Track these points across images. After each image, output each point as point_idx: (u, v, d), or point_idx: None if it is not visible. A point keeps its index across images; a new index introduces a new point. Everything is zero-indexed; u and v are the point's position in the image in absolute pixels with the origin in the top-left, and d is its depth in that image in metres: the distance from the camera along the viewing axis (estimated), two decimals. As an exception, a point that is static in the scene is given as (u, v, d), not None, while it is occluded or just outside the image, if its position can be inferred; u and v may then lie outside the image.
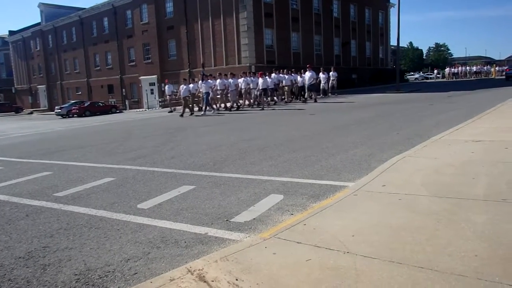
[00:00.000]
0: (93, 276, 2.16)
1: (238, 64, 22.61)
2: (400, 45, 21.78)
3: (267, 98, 14.46)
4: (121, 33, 30.03)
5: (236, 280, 1.85)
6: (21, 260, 2.43)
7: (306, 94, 15.64)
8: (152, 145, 7.14)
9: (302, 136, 6.82)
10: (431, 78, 38.60)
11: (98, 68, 33.35)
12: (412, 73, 46.19)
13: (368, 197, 2.98)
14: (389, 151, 4.94)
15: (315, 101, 14.99)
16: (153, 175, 4.56)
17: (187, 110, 14.46)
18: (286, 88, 16.15)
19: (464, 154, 4.15)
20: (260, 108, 13.52)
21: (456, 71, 35.75)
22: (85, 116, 24.40)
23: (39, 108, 40.47)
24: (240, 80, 14.74)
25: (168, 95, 17.74)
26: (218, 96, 14.63)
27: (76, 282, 2.11)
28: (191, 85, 14.57)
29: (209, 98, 13.61)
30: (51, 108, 36.22)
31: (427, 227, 2.33)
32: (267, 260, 2.04)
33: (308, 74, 15.36)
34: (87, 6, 36.78)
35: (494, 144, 4.59)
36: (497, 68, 37.92)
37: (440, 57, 65.53)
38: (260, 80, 14.05)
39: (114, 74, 31.55)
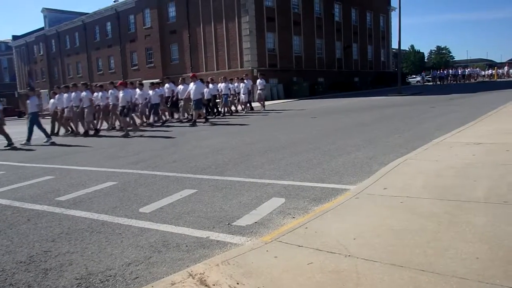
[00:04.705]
0: (94, 281, 2.16)
1: (241, 67, 22.72)
2: (402, 48, 21.84)
3: (131, 119, 10.05)
4: (124, 37, 30.27)
5: (237, 284, 1.85)
6: (22, 265, 2.43)
7: (194, 115, 11.07)
8: (154, 148, 7.16)
9: (304, 139, 6.83)
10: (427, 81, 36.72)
11: (101, 72, 33.59)
12: (414, 76, 45.97)
13: (370, 200, 2.98)
14: (391, 154, 4.93)
15: (194, 123, 10.71)
16: (154, 179, 4.57)
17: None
18: (183, 102, 12.12)
19: (466, 156, 4.14)
20: (124, 134, 9.43)
21: (440, 74, 32.64)
22: (88, 120, 24.45)
23: (42, 112, 40.67)
24: (99, 94, 10.61)
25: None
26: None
27: (78, 286, 2.12)
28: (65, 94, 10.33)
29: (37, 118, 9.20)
30: (53, 112, 36.36)
31: (428, 229, 2.33)
32: (269, 264, 2.04)
33: (192, 87, 10.73)
34: (90, 11, 37.17)
35: (496, 146, 4.58)
36: (499, 71, 37.68)
37: (441, 60, 65.52)
38: (121, 94, 9.65)
39: (117, 78, 31.52)
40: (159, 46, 27.28)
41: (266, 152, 5.83)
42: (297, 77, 24.50)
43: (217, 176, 4.44)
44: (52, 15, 39.39)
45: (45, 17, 39.72)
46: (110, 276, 2.20)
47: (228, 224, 2.91)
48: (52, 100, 11.12)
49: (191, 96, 10.90)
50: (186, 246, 2.56)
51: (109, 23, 31.76)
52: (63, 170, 5.61)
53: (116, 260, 2.40)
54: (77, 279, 2.19)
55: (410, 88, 27.74)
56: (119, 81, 10.71)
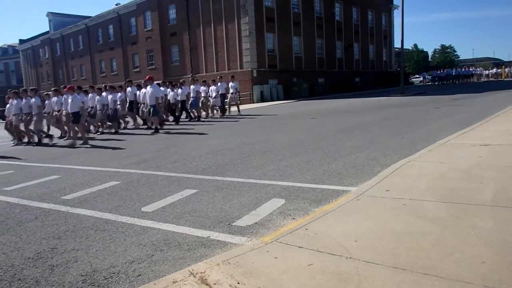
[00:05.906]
0: (98, 277, 2.19)
1: (240, 68, 22.77)
2: (405, 47, 21.69)
3: (82, 127, 8.81)
4: (125, 40, 30.52)
5: (238, 283, 1.85)
6: (30, 261, 2.48)
7: (153, 122, 10.05)
8: (155, 149, 7.19)
9: (305, 140, 6.81)
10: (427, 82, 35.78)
11: (104, 74, 33.87)
12: (417, 76, 45.57)
13: (371, 202, 2.96)
14: (393, 155, 4.90)
15: (156, 131, 9.70)
16: (156, 179, 4.59)
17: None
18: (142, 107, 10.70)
19: (471, 158, 4.08)
20: (70, 143, 8.52)
21: (440, 74, 31.50)
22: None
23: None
24: (54, 99, 9.70)
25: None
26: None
27: (83, 282, 2.15)
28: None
29: None
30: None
31: (432, 232, 2.30)
32: (269, 264, 2.04)
33: (148, 91, 9.78)
34: (93, 15, 37.55)
35: (503, 148, 4.51)
36: (506, 70, 37.19)
37: (446, 59, 64.91)
38: (69, 100, 8.50)
39: (119, 80, 31.83)
40: (160, 48, 27.44)
41: (265, 153, 5.83)
42: (297, 77, 24.47)
43: (218, 177, 4.44)
44: (57, 19, 39.84)
45: (50, 21, 40.19)
46: (114, 273, 2.23)
47: (229, 224, 2.91)
48: (7, 106, 10.06)
49: (147, 101, 9.92)
50: (187, 245, 2.56)
51: (111, 26, 32.04)
52: (68, 169, 5.67)
53: (119, 258, 2.43)
54: (82, 275, 2.23)
55: (413, 88, 27.53)
56: (68, 86, 9.56)
